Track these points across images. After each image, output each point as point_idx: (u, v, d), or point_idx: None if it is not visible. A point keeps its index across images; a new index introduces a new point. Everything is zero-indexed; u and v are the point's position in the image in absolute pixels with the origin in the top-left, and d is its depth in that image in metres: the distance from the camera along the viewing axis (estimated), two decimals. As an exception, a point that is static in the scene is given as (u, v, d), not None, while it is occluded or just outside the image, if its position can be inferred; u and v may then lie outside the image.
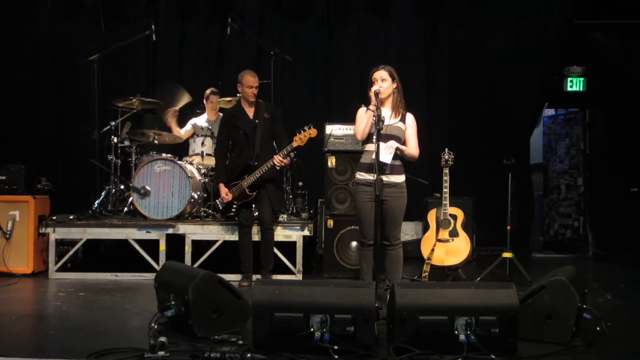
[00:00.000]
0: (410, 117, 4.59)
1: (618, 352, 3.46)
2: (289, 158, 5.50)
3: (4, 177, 6.12)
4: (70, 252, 6.01)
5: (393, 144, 4.38)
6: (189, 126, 6.94)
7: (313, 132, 5.30)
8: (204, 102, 7.00)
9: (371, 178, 4.31)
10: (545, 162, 9.23)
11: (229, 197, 5.45)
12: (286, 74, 7.71)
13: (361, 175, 4.50)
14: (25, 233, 5.98)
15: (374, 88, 4.38)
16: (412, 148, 4.54)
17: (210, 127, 6.70)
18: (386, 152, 4.31)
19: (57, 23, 8.04)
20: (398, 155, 4.48)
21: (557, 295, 3.53)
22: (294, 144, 5.29)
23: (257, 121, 5.46)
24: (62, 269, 5.97)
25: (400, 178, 4.51)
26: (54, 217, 6.07)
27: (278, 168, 5.44)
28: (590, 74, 8.08)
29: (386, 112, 4.46)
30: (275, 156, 5.35)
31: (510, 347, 3.25)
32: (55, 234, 5.92)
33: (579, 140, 8.71)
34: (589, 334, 3.60)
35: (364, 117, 4.43)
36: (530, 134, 8.15)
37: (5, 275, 5.79)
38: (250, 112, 5.51)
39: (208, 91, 6.99)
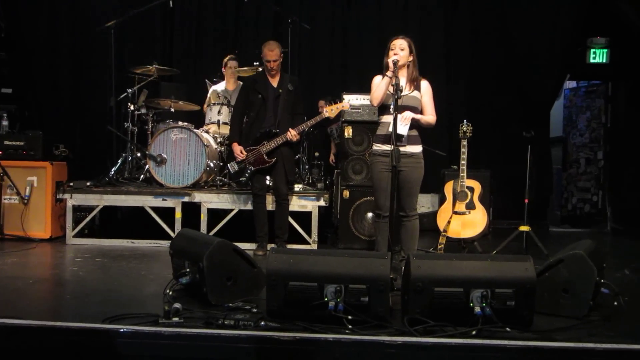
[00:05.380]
0: (425, 84, 4.52)
1: (635, 327, 3.41)
2: (298, 136, 5.48)
3: (22, 143, 6.15)
4: (87, 219, 6.05)
5: (408, 114, 4.32)
6: (210, 95, 6.89)
7: (345, 105, 5.35)
8: (223, 70, 6.94)
9: (388, 148, 4.27)
10: (565, 135, 9.10)
11: (243, 155, 5.43)
12: (304, 42, 7.65)
13: (378, 147, 4.47)
14: (43, 199, 6.03)
15: (393, 57, 4.31)
16: (429, 115, 4.49)
17: (227, 97, 6.65)
18: (402, 124, 4.26)
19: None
20: (415, 124, 4.42)
21: (575, 269, 3.48)
22: (325, 115, 5.31)
23: (280, 91, 5.44)
24: (79, 234, 6.02)
25: (417, 148, 4.47)
26: (71, 184, 6.10)
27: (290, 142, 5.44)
28: (614, 46, 7.89)
29: (401, 82, 4.38)
30: (290, 129, 5.34)
31: (526, 320, 3.21)
32: (73, 200, 5.95)
33: (600, 114, 8.56)
34: (606, 309, 3.55)
35: (381, 83, 4.37)
36: (551, 106, 8.04)
37: (24, 240, 5.85)
38: (273, 81, 5.48)
39: (226, 58, 6.93)
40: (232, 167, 5.61)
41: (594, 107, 8.63)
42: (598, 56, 7.94)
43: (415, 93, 4.47)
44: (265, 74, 5.51)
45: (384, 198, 4.38)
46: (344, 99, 5.74)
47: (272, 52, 5.37)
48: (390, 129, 4.24)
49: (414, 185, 4.48)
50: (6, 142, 6.15)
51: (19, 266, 4.85)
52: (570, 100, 9.05)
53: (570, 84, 8.97)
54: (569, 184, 8.96)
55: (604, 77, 8.40)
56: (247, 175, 5.54)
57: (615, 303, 3.56)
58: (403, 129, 4.27)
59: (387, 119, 4.39)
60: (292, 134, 5.34)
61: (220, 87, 6.88)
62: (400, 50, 4.37)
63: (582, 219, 8.66)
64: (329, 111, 5.29)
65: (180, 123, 6.32)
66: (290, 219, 5.72)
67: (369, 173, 5.24)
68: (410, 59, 4.45)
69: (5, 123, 6.35)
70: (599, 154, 8.54)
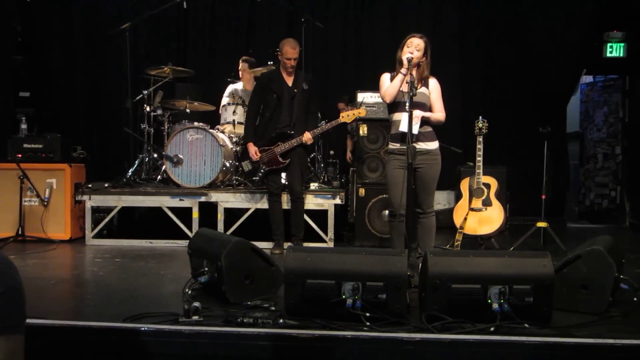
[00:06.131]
0: (433, 81, 4.50)
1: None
2: (313, 139, 5.49)
3: (40, 146, 6.23)
4: (106, 219, 6.12)
5: (418, 113, 4.30)
6: (228, 93, 6.94)
7: (362, 111, 5.38)
8: (240, 71, 6.99)
9: (403, 147, 4.26)
10: (582, 130, 9.03)
11: (258, 156, 5.45)
12: (317, 41, 7.65)
13: (393, 145, 4.46)
14: (62, 200, 6.10)
15: (408, 55, 4.30)
16: (438, 112, 4.47)
17: (242, 97, 6.69)
18: (412, 123, 4.24)
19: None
20: (425, 121, 4.41)
21: (594, 265, 3.46)
22: (341, 120, 5.35)
23: (295, 90, 5.44)
24: (98, 235, 6.09)
25: (433, 145, 4.45)
26: (90, 185, 6.17)
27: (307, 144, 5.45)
28: (631, 39, 7.81)
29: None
30: (306, 133, 5.36)
31: (545, 317, 3.20)
32: (91, 201, 6.02)
33: (617, 108, 8.48)
34: (626, 305, 3.53)
35: (395, 80, 4.36)
36: (568, 101, 7.98)
37: (44, 241, 5.93)
38: (289, 80, 5.47)
39: (240, 60, 7.00)
40: (246, 165, 5.64)
41: (611, 102, 8.55)
42: (615, 50, 7.86)
43: (424, 89, 4.45)
44: (281, 72, 5.49)
45: (399, 196, 4.35)
46: (358, 98, 5.75)
47: (294, 51, 5.36)
48: (401, 126, 4.25)
49: (430, 182, 4.46)
50: (25, 145, 6.23)
51: (40, 267, 4.91)
52: (587, 95, 8.98)
53: (586, 79, 8.89)
54: (587, 180, 8.89)
55: (621, 71, 8.32)
56: (260, 174, 5.57)
57: (635, 299, 3.54)
58: (414, 127, 4.26)
59: (398, 116, 4.39)
60: (308, 138, 5.36)
61: (238, 86, 6.93)
62: (416, 50, 4.36)
63: (600, 215, 8.59)
64: (345, 117, 5.32)
65: (196, 123, 6.36)
66: (307, 217, 5.73)
67: (384, 171, 5.23)
68: (424, 59, 4.43)
69: (23, 126, 6.42)
70: (617, 149, 8.47)
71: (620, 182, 8.38)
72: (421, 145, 4.35)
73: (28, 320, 2.97)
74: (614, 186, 8.46)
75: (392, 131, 4.51)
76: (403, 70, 4.29)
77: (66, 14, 8.11)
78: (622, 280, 3.54)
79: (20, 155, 6.16)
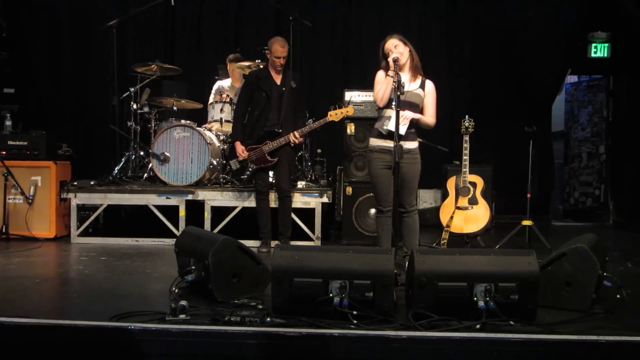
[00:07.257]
0: (430, 85, 4.53)
1: (638, 319, 3.43)
2: (303, 137, 5.49)
3: (25, 143, 6.18)
4: (92, 218, 6.08)
5: (408, 114, 4.32)
6: (215, 90, 6.93)
7: (350, 110, 5.40)
8: (228, 71, 6.98)
9: (385, 144, 4.31)
10: (567, 129, 9.10)
11: (246, 154, 5.45)
12: (305, 39, 7.62)
13: (375, 142, 4.47)
14: (47, 198, 6.06)
15: (393, 55, 4.32)
16: (429, 117, 4.49)
17: (229, 95, 6.67)
18: (401, 124, 4.25)
19: (75, -12, 8.01)
20: (413, 123, 4.43)
21: (578, 263, 3.51)
22: (329, 118, 5.35)
23: (284, 89, 5.44)
24: (84, 233, 6.06)
25: (413, 144, 4.48)
26: (75, 183, 6.13)
27: (292, 145, 5.45)
28: (615, 40, 7.88)
29: (405, 76, 4.39)
30: (294, 132, 5.36)
31: (530, 314, 3.24)
32: (77, 199, 5.98)
33: (602, 108, 8.56)
34: (609, 302, 3.58)
35: (383, 84, 4.38)
36: (553, 101, 8.04)
37: (29, 239, 5.89)
38: (277, 78, 5.48)
39: (227, 59, 6.99)
40: (234, 164, 5.64)
41: (595, 102, 8.63)
42: (599, 50, 7.92)
43: (419, 91, 4.47)
44: (269, 70, 5.50)
45: (384, 193, 4.39)
46: (345, 97, 5.76)
47: (283, 49, 5.38)
48: (389, 125, 4.27)
49: (412, 180, 4.49)
50: (10, 142, 6.18)
51: (24, 265, 4.88)
52: (571, 95, 9.05)
53: (571, 79, 8.96)
54: (571, 178, 8.97)
55: (606, 72, 8.38)
56: (247, 172, 5.57)
57: (618, 296, 3.59)
58: (402, 128, 4.28)
59: (388, 112, 4.39)
60: (295, 137, 5.37)
61: (225, 82, 6.92)
62: (395, 48, 4.39)
63: (584, 213, 8.67)
64: (333, 115, 5.33)
65: (183, 121, 6.35)
66: (294, 216, 5.74)
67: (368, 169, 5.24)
68: (408, 49, 4.46)
69: (8, 123, 6.37)
70: (601, 148, 8.55)
71: (604, 180, 8.46)
72: (403, 144, 4.35)
73: (13, 319, 2.98)
74: (598, 185, 8.54)
75: (375, 125, 4.52)
76: (390, 73, 4.30)
77: (52, 10, 8.04)
78: (606, 277, 3.59)
79: (4, 152, 6.11)
